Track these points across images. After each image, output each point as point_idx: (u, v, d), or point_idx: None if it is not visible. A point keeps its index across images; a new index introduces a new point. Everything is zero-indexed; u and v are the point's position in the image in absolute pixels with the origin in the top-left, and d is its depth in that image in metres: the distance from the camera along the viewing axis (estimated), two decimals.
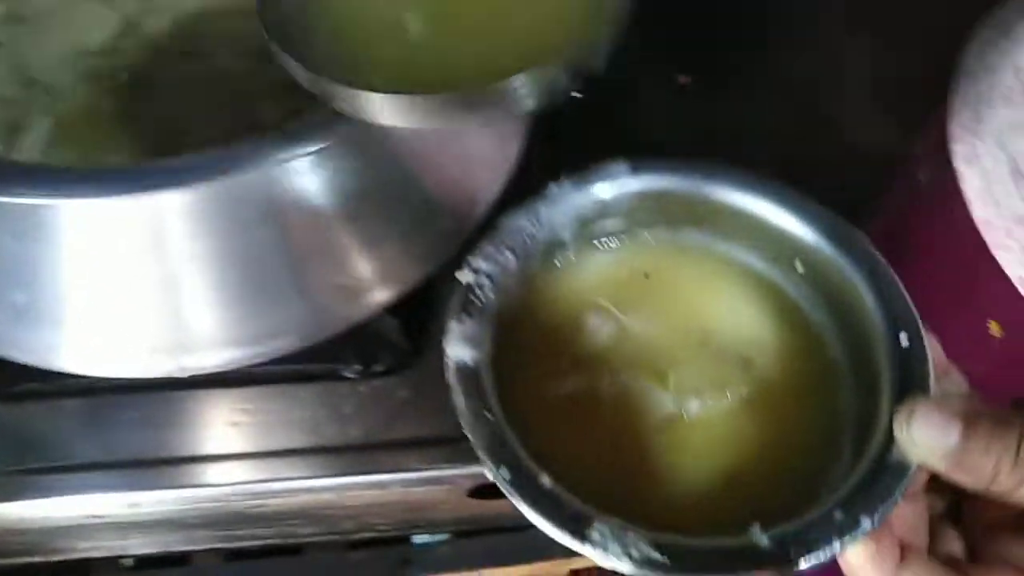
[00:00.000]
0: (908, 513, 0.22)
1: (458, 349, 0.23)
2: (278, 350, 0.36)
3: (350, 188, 0.34)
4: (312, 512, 0.45)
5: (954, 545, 0.22)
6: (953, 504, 0.23)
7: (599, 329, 0.26)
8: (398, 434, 0.43)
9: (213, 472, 0.42)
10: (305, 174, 0.31)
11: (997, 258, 0.58)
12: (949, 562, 0.21)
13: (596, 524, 0.19)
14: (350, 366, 0.44)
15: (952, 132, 0.47)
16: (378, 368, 0.44)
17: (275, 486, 0.43)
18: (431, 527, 0.55)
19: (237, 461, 0.43)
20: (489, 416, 0.21)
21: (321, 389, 0.44)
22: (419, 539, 0.60)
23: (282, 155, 0.26)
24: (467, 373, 0.22)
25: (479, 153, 0.40)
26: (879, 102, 0.57)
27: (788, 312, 0.27)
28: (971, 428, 0.18)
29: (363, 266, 0.36)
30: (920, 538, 0.22)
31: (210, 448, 0.43)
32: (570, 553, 0.19)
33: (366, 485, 0.43)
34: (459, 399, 0.22)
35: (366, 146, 0.33)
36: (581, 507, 0.20)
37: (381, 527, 0.53)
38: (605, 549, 0.19)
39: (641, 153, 0.27)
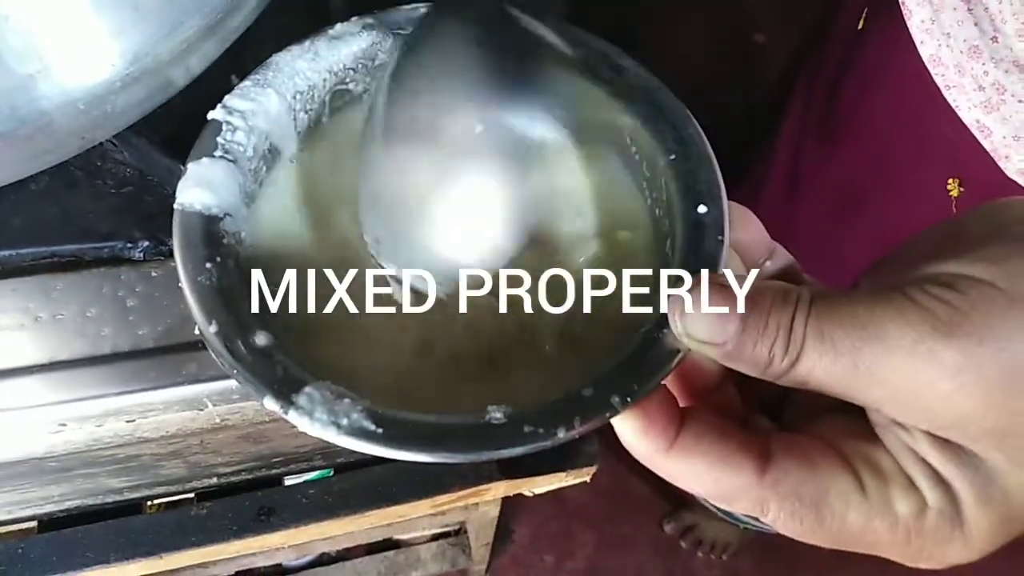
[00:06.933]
0: (724, 395, 0.20)
1: (191, 193, 0.20)
2: None
3: None
4: (107, 450, 0.33)
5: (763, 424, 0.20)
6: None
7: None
8: None
9: None
10: None
11: (949, 100, 0.49)
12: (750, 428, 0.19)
13: (307, 389, 0.17)
14: (134, 243, 0.31)
15: None
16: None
17: (41, 414, 0.30)
18: (295, 463, 0.44)
19: None
20: (210, 267, 0.19)
21: (97, 277, 0.31)
22: (292, 480, 0.49)
23: None
24: (195, 219, 0.20)
25: None
26: None
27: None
28: (752, 310, 0.16)
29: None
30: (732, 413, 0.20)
31: None
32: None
33: (170, 404, 0.31)
34: (177, 246, 0.20)
35: None
36: (295, 370, 0.18)
37: (223, 470, 0.41)
38: (311, 416, 0.17)
39: None
